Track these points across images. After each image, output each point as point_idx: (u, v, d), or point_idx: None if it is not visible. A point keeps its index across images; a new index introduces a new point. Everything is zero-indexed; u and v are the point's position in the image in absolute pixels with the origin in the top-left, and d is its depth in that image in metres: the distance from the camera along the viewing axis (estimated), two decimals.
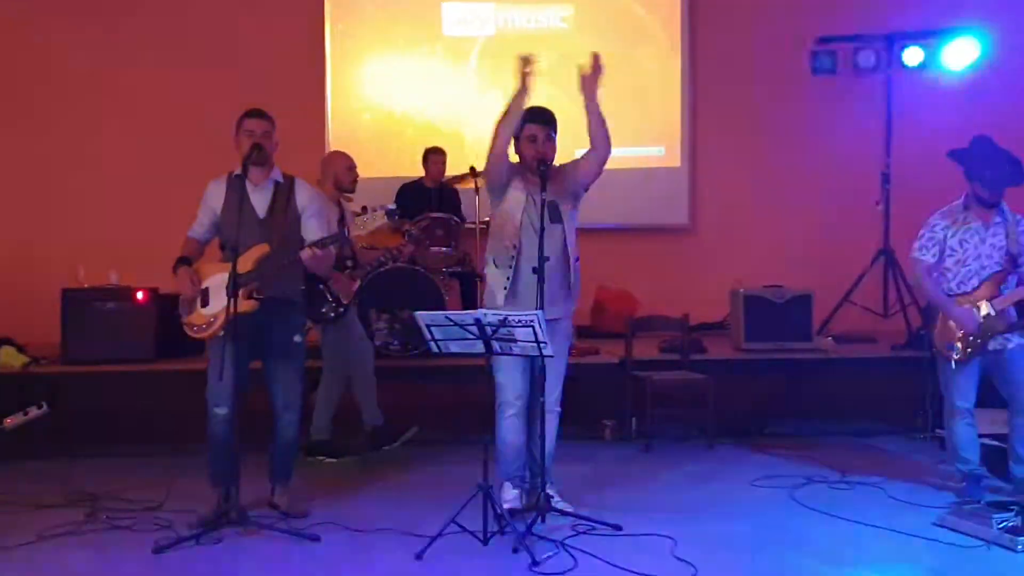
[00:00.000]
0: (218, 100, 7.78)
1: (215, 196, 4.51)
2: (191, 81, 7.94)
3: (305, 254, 4.33)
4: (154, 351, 6.24)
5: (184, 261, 4.48)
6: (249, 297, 4.30)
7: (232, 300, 4.18)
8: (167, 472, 5.14)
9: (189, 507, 4.53)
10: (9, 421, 4.49)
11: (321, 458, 5.63)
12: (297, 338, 4.59)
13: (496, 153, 4.44)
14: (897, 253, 7.33)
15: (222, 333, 4.31)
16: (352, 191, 5.79)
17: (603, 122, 4.44)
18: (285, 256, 4.38)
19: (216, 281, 4.41)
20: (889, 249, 7.45)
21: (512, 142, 4.50)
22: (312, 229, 4.50)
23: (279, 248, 4.38)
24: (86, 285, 6.38)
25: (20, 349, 6.35)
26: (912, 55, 7.43)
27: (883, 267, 7.54)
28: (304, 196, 4.56)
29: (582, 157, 4.57)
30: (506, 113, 4.41)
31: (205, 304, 4.45)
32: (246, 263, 4.31)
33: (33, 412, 4.51)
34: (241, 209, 4.34)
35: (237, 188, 4.43)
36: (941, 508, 4.53)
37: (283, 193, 4.52)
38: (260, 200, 4.47)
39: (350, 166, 5.73)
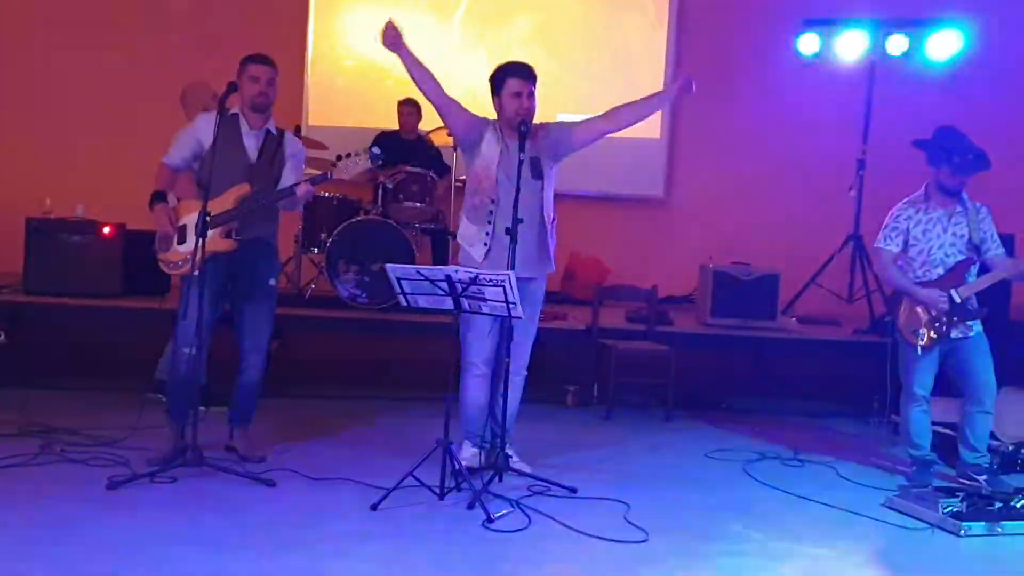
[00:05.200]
0: (197, 37, 7.67)
1: (206, 131, 4.40)
2: (170, 16, 7.78)
3: (302, 188, 4.38)
4: (119, 287, 6.16)
5: (160, 196, 4.42)
6: (227, 236, 4.29)
7: (201, 241, 4.15)
8: (125, 408, 5.09)
9: (146, 444, 4.51)
10: None
11: None
12: (272, 281, 4.58)
13: (436, 106, 4.50)
14: (866, 239, 7.40)
15: (196, 273, 4.29)
16: None
17: (648, 116, 4.60)
18: (265, 197, 4.39)
19: (194, 219, 4.35)
20: (858, 235, 7.52)
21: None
22: (289, 177, 4.53)
23: (260, 190, 4.37)
24: (52, 216, 6.28)
25: None
26: (896, 43, 7.44)
27: (851, 253, 7.61)
28: (294, 147, 4.62)
29: (585, 122, 4.56)
30: (414, 79, 4.45)
31: (183, 241, 4.41)
32: (226, 201, 4.30)
33: None
34: (236, 152, 4.37)
35: (231, 129, 4.41)
36: (890, 490, 4.62)
37: (273, 142, 4.52)
38: (251, 145, 4.46)
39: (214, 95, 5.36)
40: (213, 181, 4.33)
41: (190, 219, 4.40)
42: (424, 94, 4.49)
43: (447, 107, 4.52)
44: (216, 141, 4.28)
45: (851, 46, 7.52)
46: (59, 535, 3.54)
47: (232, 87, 4.35)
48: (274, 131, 4.55)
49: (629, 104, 4.53)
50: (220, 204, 4.30)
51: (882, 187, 6.92)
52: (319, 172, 4.60)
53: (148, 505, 3.90)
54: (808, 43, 7.66)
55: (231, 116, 4.45)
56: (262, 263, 4.52)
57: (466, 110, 4.54)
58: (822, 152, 7.91)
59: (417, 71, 4.45)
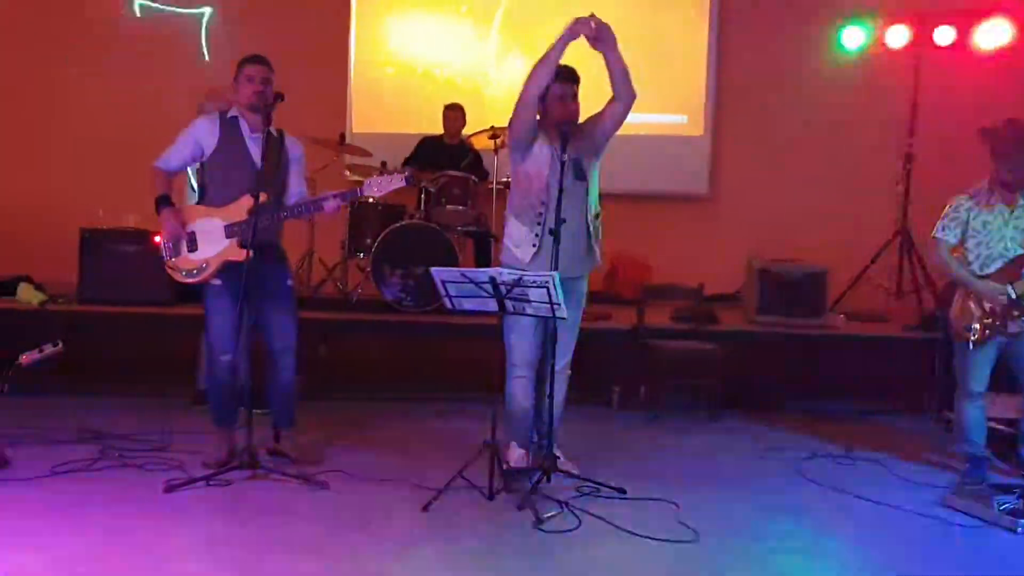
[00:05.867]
0: (239, 49, 7.77)
1: (206, 134, 4.43)
2: (219, 27, 7.91)
3: (331, 204, 4.38)
4: (171, 295, 6.25)
5: (165, 200, 4.41)
6: (243, 245, 4.29)
7: (246, 250, 4.21)
8: (178, 414, 5.19)
9: (199, 449, 4.59)
10: (25, 358, 4.52)
11: None
12: (289, 281, 4.61)
13: (528, 101, 4.32)
14: (914, 234, 7.30)
15: (219, 281, 4.35)
16: None
17: (626, 71, 4.31)
18: (293, 210, 4.45)
19: (204, 226, 4.39)
20: (906, 230, 7.42)
21: (537, 102, 4.47)
22: (295, 180, 4.56)
23: (273, 198, 4.39)
24: (104, 226, 6.40)
25: (37, 287, 6.40)
26: (943, 34, 7.33)
27: (899, 247, 7.50)
28: (297, 150, 4.61)
29: (604, 108, 4.48)
30: (544, 59, 4.28)
31: (193, 248, 4.41)
32: (240, 211, 4.32)
33: (48, 349, 4.54)
34: (242, 156, 4.37)
35: (233, 133, 4.41)
36: (944, 488, 4.56)
37: (275, 144, 4.50)
38: (255, 149, 4.44)
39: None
40: (219, 187, 4.38)
41: (199, 226, 4.40)
42: (533, 82, 4.29)
43: (532, 109, 4.37)
44: (220, 145, 4.35)
45: (896, 38, 7.42)
46: (120, 538, 3.61)
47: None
48: (274, 132, 4.51)
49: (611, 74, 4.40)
50: (235, 213, 4.32)
51: (930, 180, 6.83)
52: (355, 179, 4.61)
53: (205, 507, 3.97)
54: (852, 35, 7.58)
55: (231, 119, 4.43)
56: (276, 266, 4.53)
57: None
58: (868, 145, 7.82)
59: (555, 61, 4.30)
